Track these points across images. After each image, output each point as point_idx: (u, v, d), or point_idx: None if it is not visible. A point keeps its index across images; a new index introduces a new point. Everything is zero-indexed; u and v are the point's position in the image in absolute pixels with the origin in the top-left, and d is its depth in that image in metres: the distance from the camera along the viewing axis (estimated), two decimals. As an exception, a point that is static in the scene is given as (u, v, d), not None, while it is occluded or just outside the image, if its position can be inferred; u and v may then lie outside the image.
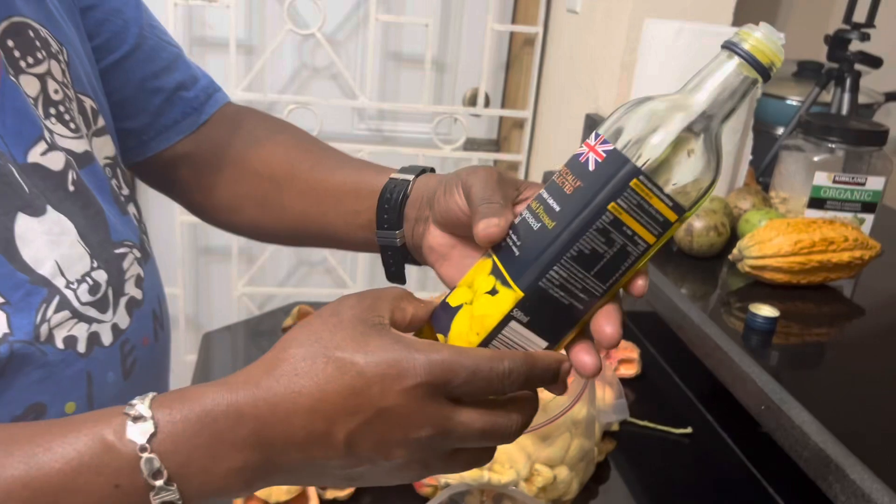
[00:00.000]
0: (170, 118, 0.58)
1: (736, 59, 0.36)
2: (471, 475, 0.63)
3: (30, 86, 0.45)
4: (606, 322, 0.38)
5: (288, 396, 0.35)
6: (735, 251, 0.85)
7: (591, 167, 0.36)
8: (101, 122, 0.52)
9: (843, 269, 0.84)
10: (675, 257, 0.92)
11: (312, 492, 0.66)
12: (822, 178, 0.92)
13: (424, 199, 0.49)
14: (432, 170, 0.53)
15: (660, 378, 0.96)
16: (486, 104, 1.65)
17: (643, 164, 0.35)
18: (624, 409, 0.74)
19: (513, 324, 0.38)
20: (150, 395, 0.35)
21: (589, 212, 0.36)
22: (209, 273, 1.80)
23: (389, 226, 0.51)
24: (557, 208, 0.37)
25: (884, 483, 0.54)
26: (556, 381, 0.38)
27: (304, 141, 0.60)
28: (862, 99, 1.21)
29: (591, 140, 0.37)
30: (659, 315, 0.85)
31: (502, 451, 0.63)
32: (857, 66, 1.15)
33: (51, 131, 0.46)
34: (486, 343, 0.38)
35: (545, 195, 0.38)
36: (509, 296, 0.38)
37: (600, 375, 0.72)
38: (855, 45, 1.14)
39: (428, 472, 0.38)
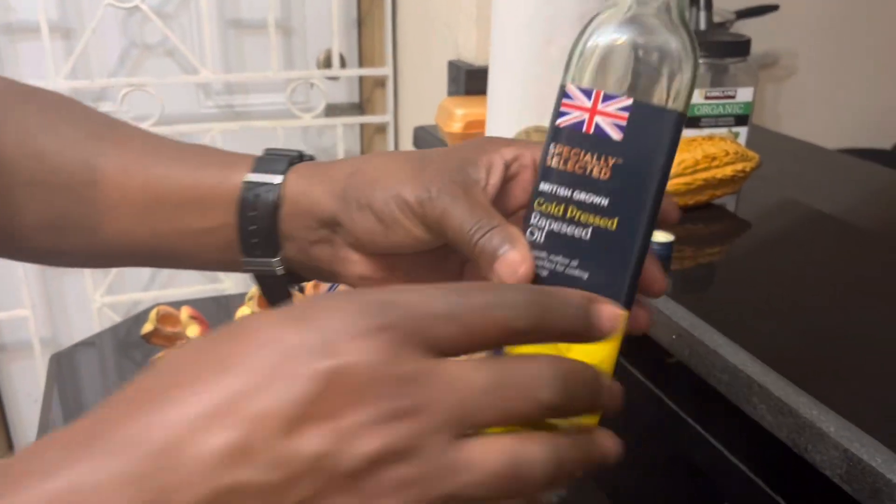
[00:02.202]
0: None
1: None
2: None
3: None
4: (653, 268, 0.33)
5: (168, 388, 0.22)
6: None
7: (618, 136, 0.29)
8: None
9: (728, 185, 0.82)
10: (560, 196, 0.88)
11: None
12: (694, 96, 0.89)
13: (312, 215, 0.36)
14: (300, 156, 0.39)
15: (561, 324, 0.92)
16: (342, 65, 1.55)
17: (679, 106, 0.29)
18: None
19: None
20: None
21: (652, 188, 0.29)
22: (61, 287, 1.62)
23: (263, 252, 0.38)
24: (605, 202, 0.29)
25: (810, 395, 0.52)
26: (588, 319, 0.26)
27: (97, 124, 0.42)
28: (715, 18, 1.21)
29: (583, 101, 0.30)
30: (552, 258, 0.81)
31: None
32: (709, -17, 1.14)
33: None
34: None
35: (567, 192, 0.30)
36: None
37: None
38: (704, -38, 1.13)
39: (422, 490, 0.22)
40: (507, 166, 0.35)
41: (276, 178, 0.37)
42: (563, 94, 0.30)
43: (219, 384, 0.21)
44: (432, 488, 0.22)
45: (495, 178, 0.34)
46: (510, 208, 0.35)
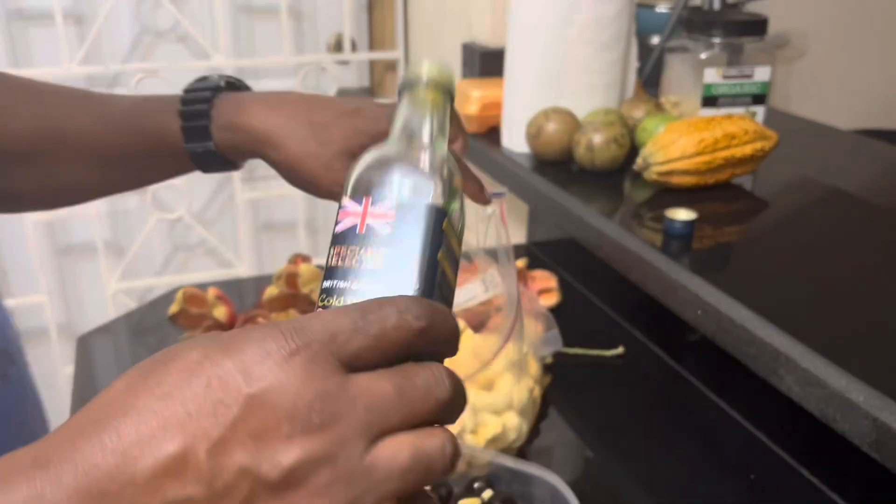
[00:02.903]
0: None
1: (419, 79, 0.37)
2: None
3: None
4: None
5: (112, 415, 0.24)
6: (639, 160, 0.82)
7: (388, 230, 0.32)
8: None
9: (747, 163, 0.83)
10: (578, 177, 0.88)
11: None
12: (711, 76, 0.90)
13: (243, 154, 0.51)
14: (210, 97, 0.50)
15: (581, 303, 0.93)
16: (353, 49, 1.55)
17: (439, 201, 0.32)
18: (557, 340, 0.70)
19: None
20: None
21: (422, 270, 0.31)
22: (76, 273, 1.63)
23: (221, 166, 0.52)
24: (380, 288, 0.31)
25: (837, 366, 0.52)
26: (455, 335, 0.29)
27: (63, 96, 0.52)
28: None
29: (355, 208, 0.33)
30: (572, 239, 0.81)
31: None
32: (722, -36, 1.14)
33: None
34: None
35: (344, 284, 0.31)
36: None
37: (530, 309, 0.68)
38: (718, -58, 1.12)
39: (345, 490, 0.25)
40: None
41: (210, 145, 0.50)
42: (339, 207, 0.33)
43: (158, 411, 0.24)
44: (351, 489, 0.24)
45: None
46: None
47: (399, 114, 0.36)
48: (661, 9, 1.23)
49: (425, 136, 0.36)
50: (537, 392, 0.67)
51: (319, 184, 0.48)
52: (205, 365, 0.24)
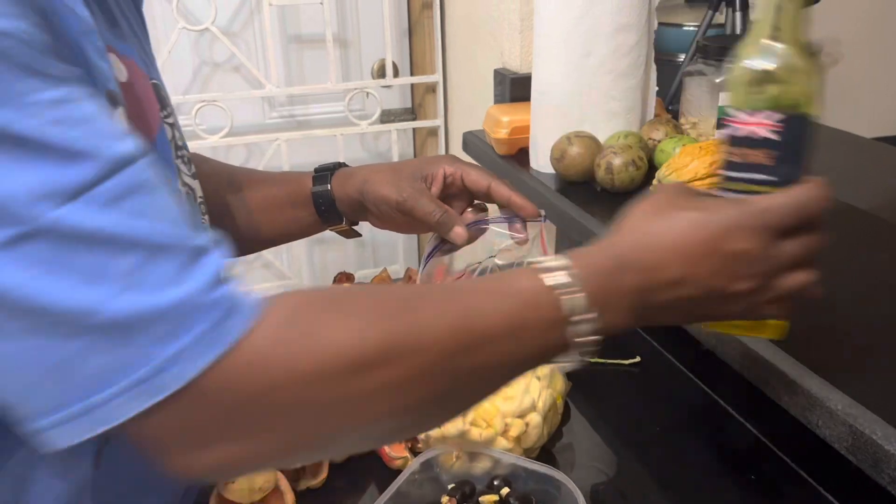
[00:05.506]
0: None
1: None
2: (453, 427, 0.65)
3: (167, 132, 0.55)
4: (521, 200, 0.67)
5: (664, 244, 0.44)
6: (655, 182, 0.88)
7: (779, 138, 0.45)
8: (193, 168, 0.61)
9: (757, 183, 0.88)
10: (600, 196, 0.94)
11: (286, 485, 0.67)
12: (725, 99, 0.95)
13: (350, 204, 0.71)
14: (335, 167, 0.73)
15: (604, 315, 0.99)
16: (395, 74, 1.64)
17: (810, 111, 0.45)
18: (577, 357, 0.76)
19: None
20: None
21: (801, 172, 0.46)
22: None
23: (335, 222, 0.74)
24: (774, 178, 0.46)
25: (821, 378, 0.58)
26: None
27: (231, 171, 0.77)
28: (753, 16, 1.25)
29: (746, 117, 0.46)
30: (593, 255, 0.87)
31: (479, 411, 0.65)
32: (744, -16, 1.18)
33: (178, 170, 0.56)
34: None
35: (740, 174, 0.47)
36: None
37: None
38: (739, -36, 1.17)
39: (759, 299, 0.46)
40: (445, 178, 0.68)
41: (326, 186, 0.71)
42: (734, 114, 0.47)
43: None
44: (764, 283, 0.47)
45: (437, 187, 0.68)
46: (447, 201, 0.69)
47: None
48: (688, 27, 1.28)
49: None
50: (560, 401, 0.74)
51: (391, 199, 0.67)
52: (711, 228, 0.45)
